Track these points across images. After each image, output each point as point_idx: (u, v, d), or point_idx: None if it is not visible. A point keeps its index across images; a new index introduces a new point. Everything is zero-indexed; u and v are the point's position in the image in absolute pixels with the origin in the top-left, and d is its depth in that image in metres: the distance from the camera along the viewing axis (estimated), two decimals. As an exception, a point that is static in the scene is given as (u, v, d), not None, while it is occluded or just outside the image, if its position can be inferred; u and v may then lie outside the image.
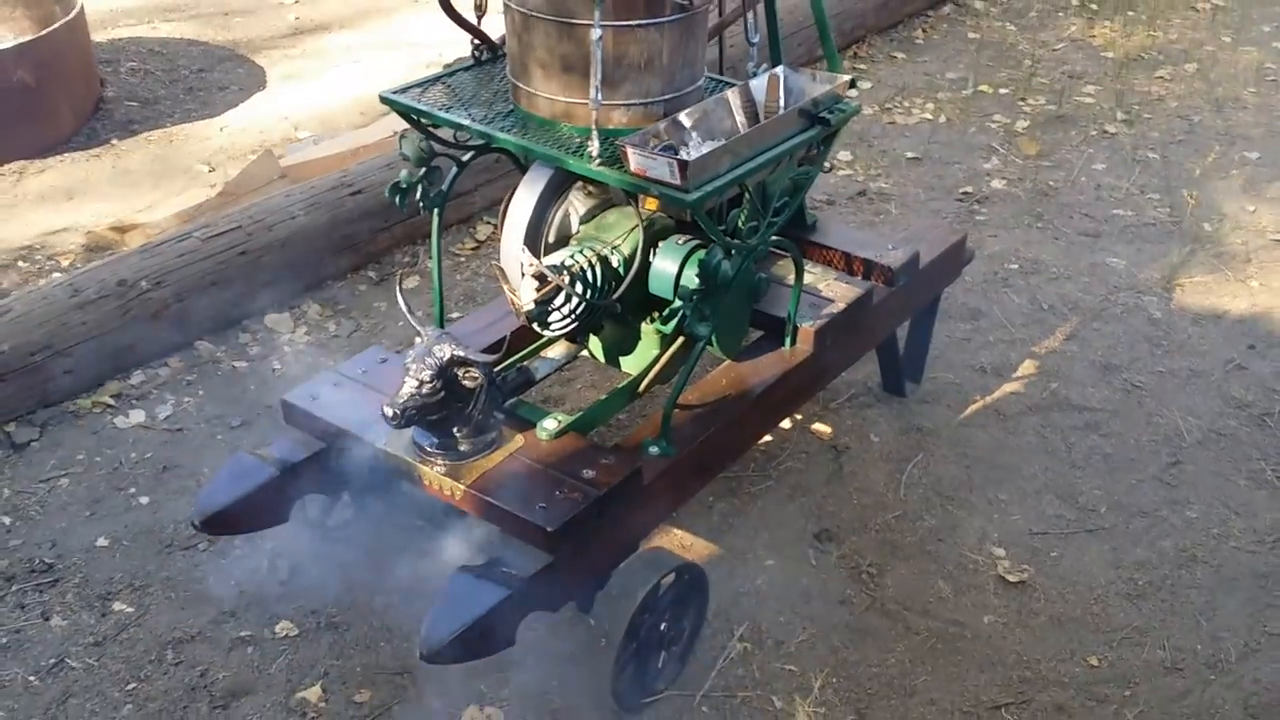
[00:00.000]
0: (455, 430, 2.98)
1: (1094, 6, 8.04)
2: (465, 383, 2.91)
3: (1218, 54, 7.40)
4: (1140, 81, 6.95)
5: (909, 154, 6.06)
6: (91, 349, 4.15)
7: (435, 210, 3.44)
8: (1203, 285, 5.01)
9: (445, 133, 3.30)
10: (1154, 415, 4.27)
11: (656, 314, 3.30)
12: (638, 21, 2.94)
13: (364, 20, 7.75)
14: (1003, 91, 6.78)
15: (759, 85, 3.21)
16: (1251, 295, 4.97)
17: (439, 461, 2.99)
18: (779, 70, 3.21)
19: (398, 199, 3.36)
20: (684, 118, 3.04)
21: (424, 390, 2.87)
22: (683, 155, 2.90)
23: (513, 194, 3.29)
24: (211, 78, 6.87)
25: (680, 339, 3.30)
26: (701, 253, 3.10)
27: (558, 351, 3.43)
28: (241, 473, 3.17)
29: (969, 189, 5.72)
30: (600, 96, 2.89)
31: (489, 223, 5.29)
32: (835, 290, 3.72)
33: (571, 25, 2.95)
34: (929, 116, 6.46)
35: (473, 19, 3.39)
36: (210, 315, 4.47)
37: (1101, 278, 5.03)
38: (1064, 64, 7.17)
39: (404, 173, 3.36)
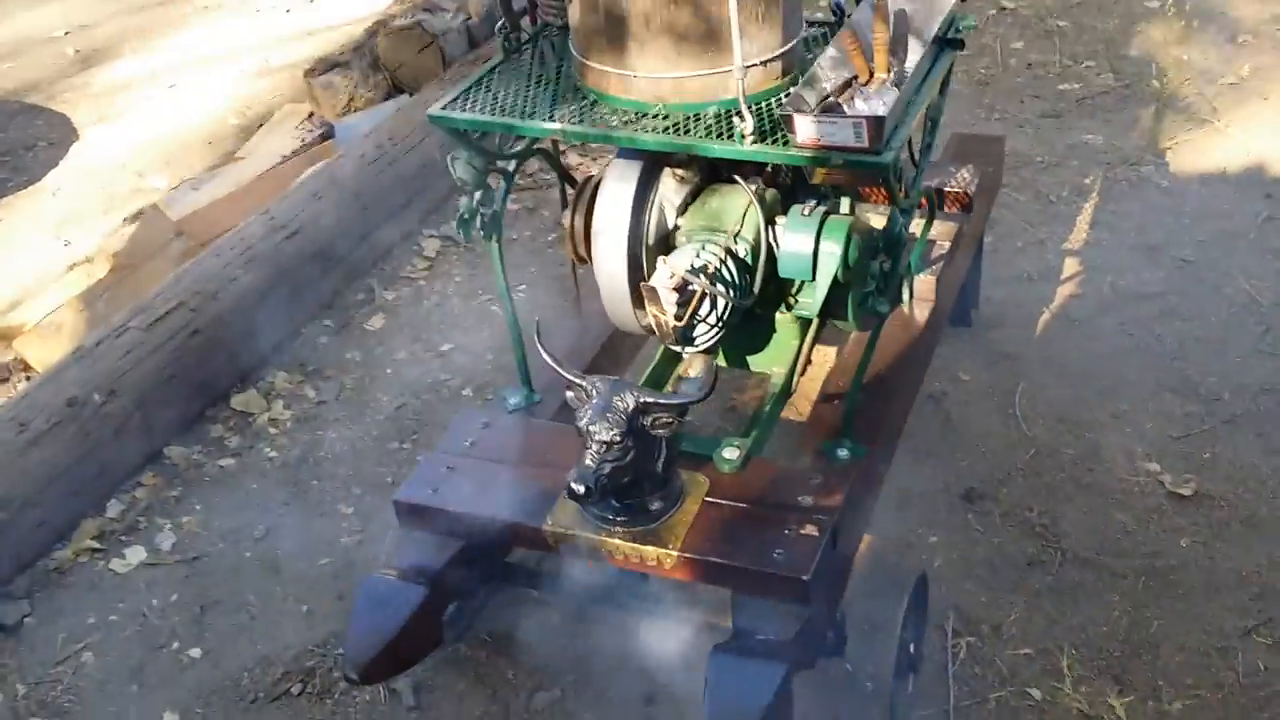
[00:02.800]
0: (645, 489, 2.47)
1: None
2: (657, 431, 2.41)
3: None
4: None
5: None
6: (59, 489, 3.41)
7: (495, 238, 2.89)
8: (1188, 144, 4.84)
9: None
10: (1220, 287, 4.06)
11: (793, 299, 2.84)
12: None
13: (153, 38, 6.90)
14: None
15: (863, 19, 2.75)
16: (1236, 143, 4.83)
17: (628, 529, 2.48)
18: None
19: (463, 231, 2.80)
20: (822, 70, 2.57)
21: (614, 452, 2.35)
22: (860, 110, 2.44)
23: (582, 202, 2.77)
24: (10, 138, 5.96)
25: (814, 324, 2.89)
26: (838, 221, 2.64)
27: (696, 369, 2.93)
28: (384, 601, 2.59)
29: (905, 94, 5.41)
30: (740, 59, 2.39)
31: (431, 235, 4.68)
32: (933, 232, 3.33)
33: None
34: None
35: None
36: (173, 415, 3.76)
37: (1089, 158, 4.81)
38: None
39: (464, 201, 2.80)
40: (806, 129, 2.35)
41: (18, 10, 7.40)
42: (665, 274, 2.57)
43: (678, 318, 2.58)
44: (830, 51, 2.63)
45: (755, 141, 2.43)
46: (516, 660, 2.99)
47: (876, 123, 2.30)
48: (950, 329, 3.93)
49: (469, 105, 2.69)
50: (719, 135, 2.47)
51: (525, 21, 2.97)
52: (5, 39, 7.01)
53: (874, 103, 2.50)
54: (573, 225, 2.81)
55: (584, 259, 2.84)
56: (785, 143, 2.40)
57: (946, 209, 3.50)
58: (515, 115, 2.63)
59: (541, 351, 2.54)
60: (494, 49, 5.32)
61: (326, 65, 5.52)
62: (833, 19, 2.93)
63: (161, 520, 3.52)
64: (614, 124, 2.56)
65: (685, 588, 2.67)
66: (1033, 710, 2.80)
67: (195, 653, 3.11)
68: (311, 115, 5.26)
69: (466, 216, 2.81)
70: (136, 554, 3.41)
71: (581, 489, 2.32)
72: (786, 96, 2.51)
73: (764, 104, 2.53)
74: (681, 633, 2.69)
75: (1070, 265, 4.22)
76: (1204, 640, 2.93)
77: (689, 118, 2.53)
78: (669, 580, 2.62)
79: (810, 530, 2.46)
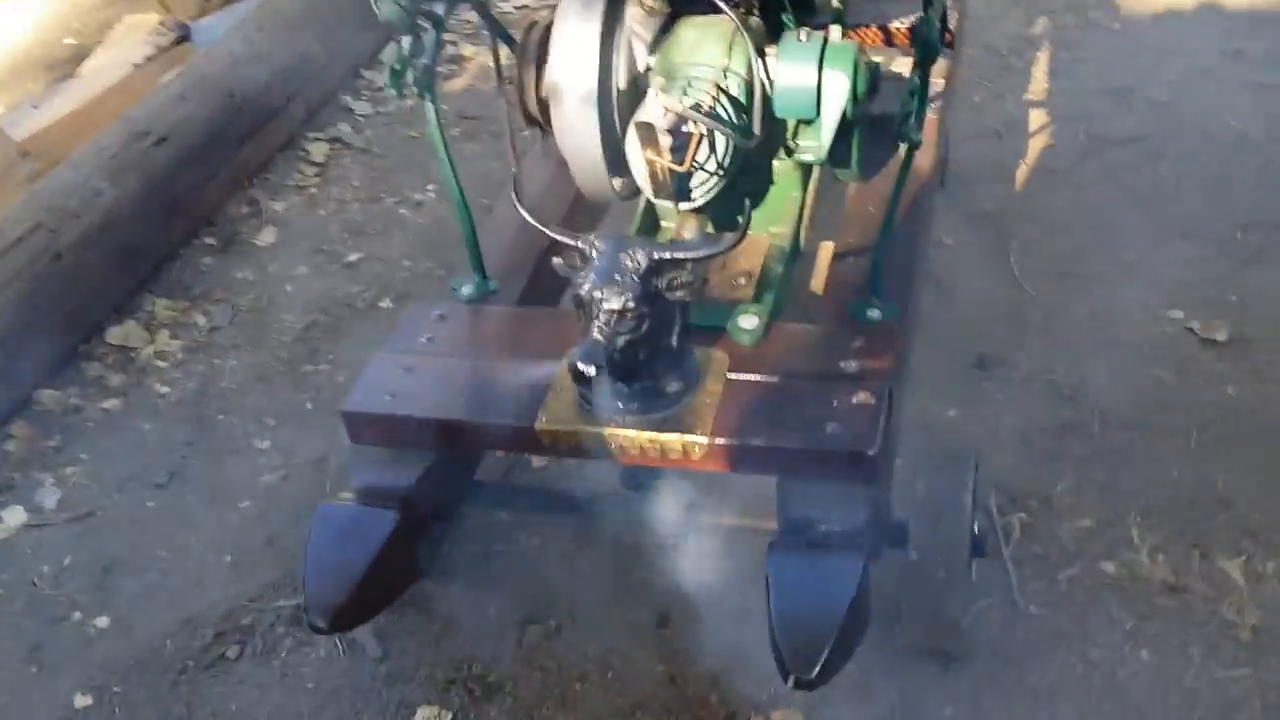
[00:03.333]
0: (659, 368, 2.00)
1: None
2: (674, 293, 1.94)
3: None
4: None
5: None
6: (-92, 447, 2.80)
7: (429, 94, 2.37)
8: (1134, -14, 4.52)
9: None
10: (1203, 125, 3.74)
11: (792, 143, 2.38)
12: None
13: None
14: None
15: None
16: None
17: (643, 418, 2.01)
18: None
19: (393, 84, 2.27)
20: None
21: (627, 321, 1.88)
22: None
23: (531, 51, 2.26)
24: None
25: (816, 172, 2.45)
26: (842, 46, 2.17)
27: (689, 231, 2.45)
28: (348, 532, 2.07)
29: None
30: None
31: (317, 139, 4.10)
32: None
33: None
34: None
35: None
36: (40, 356, 3.15)
37: (1031, 5, 4.45)
38: None
39: (389, 48, 2.27)
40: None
41: None
42: (659, 110, 2.08)
43: (677, 161, 2.10)
44: None
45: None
46: (498, 593, 2.50)
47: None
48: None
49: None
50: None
51: None
52: None
53: None
54: (521, 81, 2.30)
55: (537, 120, 2.34)
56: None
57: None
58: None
59: (521, 209, 2.05)
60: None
61: (177, -38, 4.84)
62: None
63: (40, 475, 2.92)
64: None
65: (692, 485, 2.22)
66: (1111, 587, 2.42)
67: (102, 622, 2.55)
68: (162, 21, 4.60)
69: (397, 67, 2.28)
70: (15, 515, 2.81)
71: (591, 369, 1.84)
72: None
73: None
74: (699, 538, 2.24)
75: (1037, 117, 3.85)
76: (1278, 493, 2.58)
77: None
78: (672, 481, 2.18)
79: (865, 398, 2.02)
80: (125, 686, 2.40)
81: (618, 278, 1.88)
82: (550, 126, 2.24)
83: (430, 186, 3.83)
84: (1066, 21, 4.32)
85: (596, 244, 1.93)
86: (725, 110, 2.13)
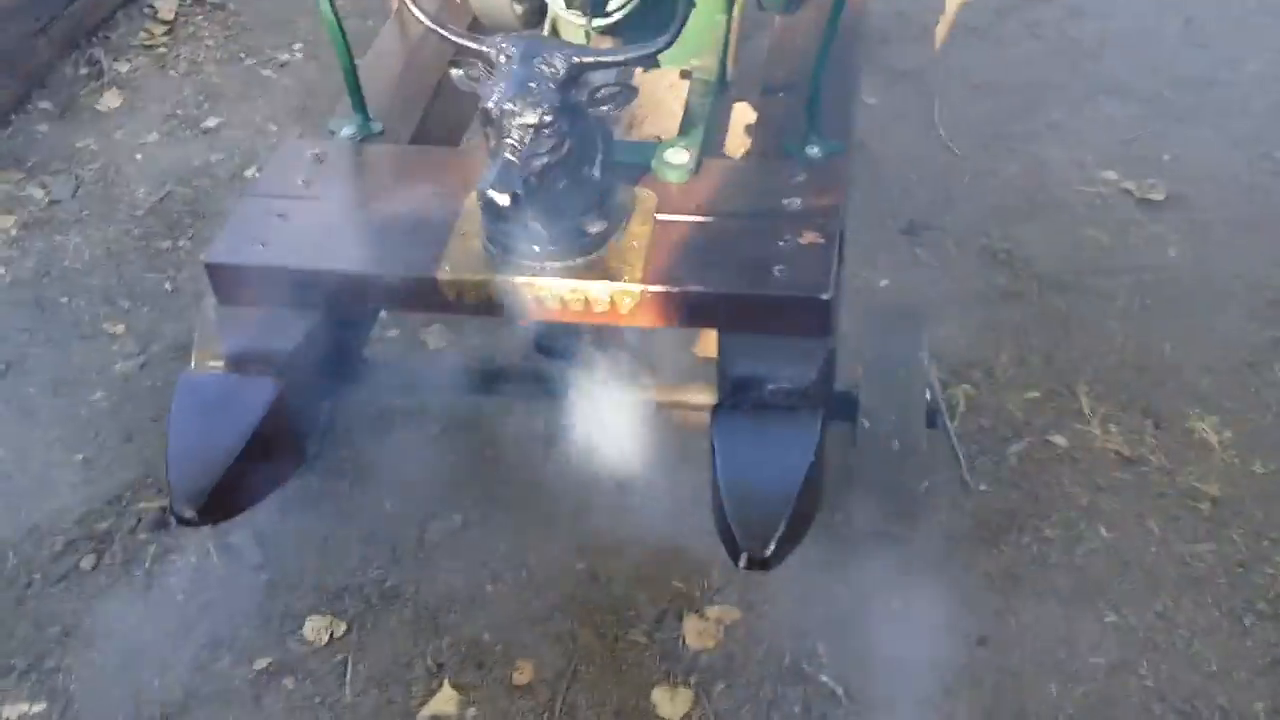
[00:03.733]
0: (579, 204, 1.73)
1: None
2: (601, 107, 1.66)
3: None
4: None
5: None
6: None
7: None
8: None
9: None
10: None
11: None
12: None
13: None
14: None
15: None
16: None
17: (562, 264, 1.75)
18: None
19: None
20: None
21: (545, 139, 1.60)
22: None
23: None
24: None
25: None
26: None
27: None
28: (218, 404, 1.76)
29: None
30: None
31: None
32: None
33: None
34: None
35: None
36: None
37: None
38: None
39: None
40: None
41: None
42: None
43: (593, -30, 1.82)
44: None
45: None
46: (394, 487, 2.23)
47: None
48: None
49: None
50: None
51: None
52: None
53: None
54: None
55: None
56: None
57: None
58: None
59: (414, 9, 1.73)
60: None
61: None
62: None
63: None
64: None
65: (606, 348, 1.97)
66: (1063, 460, 2.25)
67: (-73, 537, 2.22)
68: None
69: None
70: None
71: (505, 197, 1.56)
72: None
73: None
74: (624, 414, 1.98)
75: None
76: (1229, 356, 2.44)
77: None
78: (580, 342, 1.93)
79: (813, 238, 1.78)
80: (-39, 607, 2.08)
81: (532, 86, 1.59)
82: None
83: (297, 45, 3.46)
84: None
85: (506, 48, 1.64)
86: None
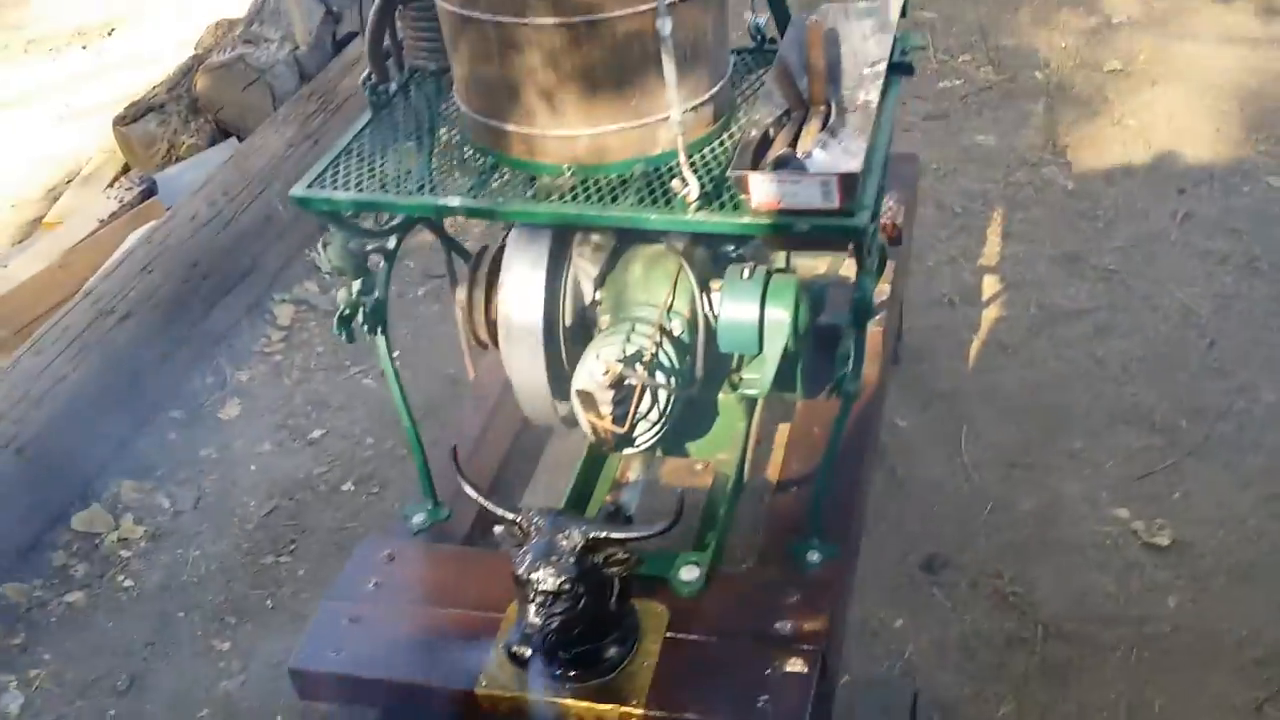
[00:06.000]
0: (597, 635, 2.05)
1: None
2: (611, 570, 1.99)
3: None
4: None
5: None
6: None
7: (382, 331, 2.44)
8: (1086, 140, 4.59)
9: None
10: (1151, 298, 3.80)
11: (736, 377, 2.45)
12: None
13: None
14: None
15: (794, 44, 2.36)
16: (1134, 134, 4.60)
17: (581, 686, 2.06)
18: (824, 10, 2.38)
19: (343, 331, 2.34)
20: (756, 110, 2.18)
21: (562, 602, 1.94)
22: (823, 162, 2.04)
23: (481, 278, 2.34)
24: None
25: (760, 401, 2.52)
26: (784, 282, 2.24)
27: (635, 471, 2.51)
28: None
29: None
30: (679, 111, 1.98)
31: (283, 300, 4.15)
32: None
33: (595, 23, 2.02)
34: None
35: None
36: (4, 547, 3.19)
37: (986, 161, 4.52)
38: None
39: (341, 294, 2.35)
40: (764, 189, 1.96)
41: None
42: (598, 370, 2.15)
43: (618, 421, 2.17)
44: (763, 86, 2.27)
45: (700, 208, 2.03)
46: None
47: (847, 180, 1.93)
48: (878, 369, 3.59)
49: (340, 180, 2.23)
50: (654, 201, 2.06)
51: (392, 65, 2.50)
52: None
53: (836, 151, 2.10)
54: (470, 304, 2.37)
55: (485, 344, 2.41)
56: (736, 206, 2.01)
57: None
58: (399, 190, 2.18)
59: (464, 485, 2.10)
60: (329, 82, 4.88)
61: (139, 110, 4.88)
62: (752, 44, 2.57)
63: (5, 677, 2.96)
64: (522, 193, 2.14)
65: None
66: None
67: None
68: (128, 169, 4.66)
69: (347, 312, 2.35)
70: (-29, 728, 2.86)
71: (527, 652, 1.90)
72: (723, 146, 2.14)
73: (699, 157, 2.15)
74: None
75: (990, 284, 3.92)
76: (1213, 717, 2.64)
77: (612, 180, 2.12)
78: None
79: (797, 665, 2.07)
80: None
81: (554, 559, 1.93)
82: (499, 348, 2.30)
83: (395, 353, 3.86)
84: (1020, 178, 4.39)
85: (535, 520, 1.98)
86: (668, 355, 2.20)
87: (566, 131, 2.12)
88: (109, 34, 6.54)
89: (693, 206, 2.02)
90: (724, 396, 2.49)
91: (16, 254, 4.31)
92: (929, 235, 4.14)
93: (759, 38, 2.55)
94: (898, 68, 2.34)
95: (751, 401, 2.53)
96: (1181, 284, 3.83)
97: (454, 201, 2.14)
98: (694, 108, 2.17)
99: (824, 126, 2.24)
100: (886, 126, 2.21)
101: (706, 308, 2.27)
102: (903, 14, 2.44)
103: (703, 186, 2.05)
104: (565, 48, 2.04)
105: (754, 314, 2.20)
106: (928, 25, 5.49)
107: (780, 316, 2.19)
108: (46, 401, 3.36)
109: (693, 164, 2.11)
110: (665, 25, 1.90)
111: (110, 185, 4.61)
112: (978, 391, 3.52)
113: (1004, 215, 4.22)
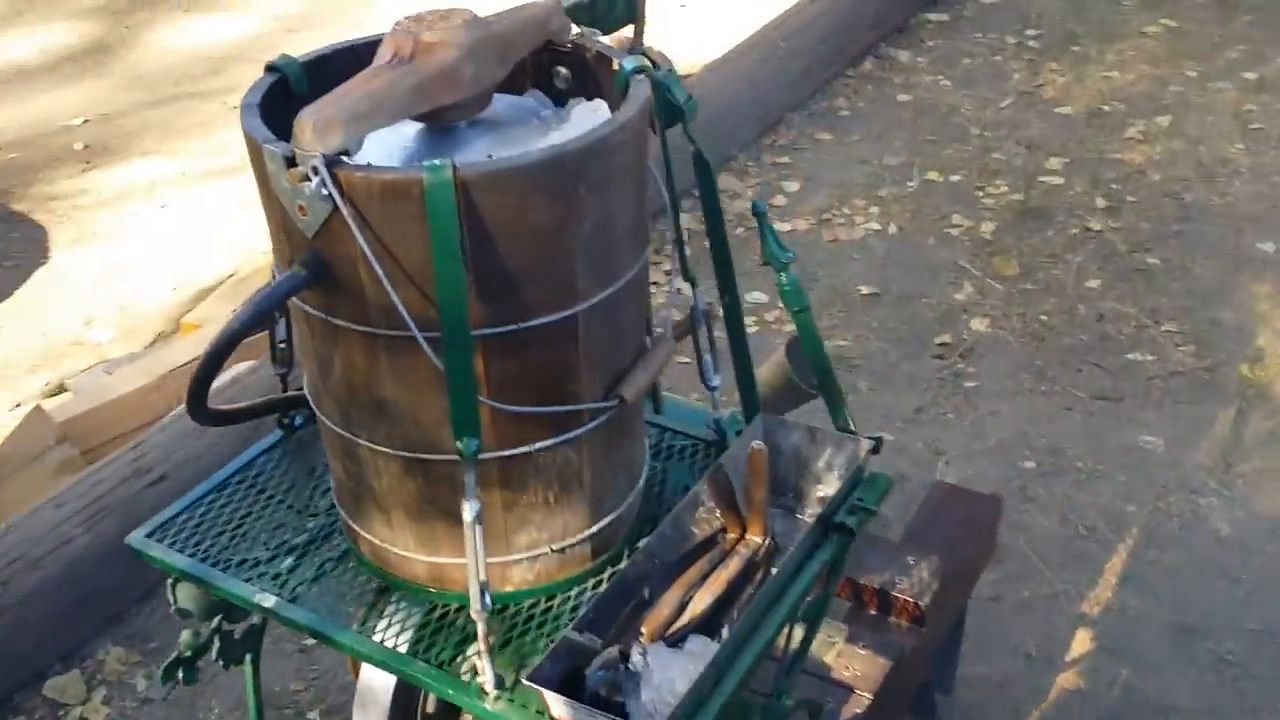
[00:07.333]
0: None
1: (1033, 44, 6.95)
2: None
3: (1188, 96, 6.35)
4: (1111, 146, 5.88)
5: (862, 288, 4.90)
6: None
7: (250, 661, 2.26)
8: (1270, 473, 3.93)
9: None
10: (1260, 710, 3.18)
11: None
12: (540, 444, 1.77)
13: (176, 139, 6.39)
14: (955, 179, 5.65)
15: (737, 459, 2.01)
16: (1333, 477, 3.92)
17: None
18: (758, 439, 2.01)
19: (172, 680, 2.17)
20: (634, 569, 1.86)
21: None
22: (645, 697, 1.69)
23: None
24: (-19, 243, 5.51)
25: None
26: None
27: None
28: None
29: (946, 338, 4.59)
30: (480, 602, 1.69)
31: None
32: (852, 665, 2.58)
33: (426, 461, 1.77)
34: (876, 226, 5.31)
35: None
36: (-39, 707, 3.19)
37: (1140, 471, 3.93)
38: (1017, 129, 6.07)
39: (185, 635, 2.18)
40: (562, 710, 1.65)
41: (41, 89, 6.98)
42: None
43: None
44: (696, 496, 1.96)
45: (499, 699, 1.74)
46: None
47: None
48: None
49: (190, 530, 2.08)
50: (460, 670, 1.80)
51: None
52: (20, 121, 6.59)
53: (676, 669, 1.73)
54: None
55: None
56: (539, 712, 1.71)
57: (893, 617, 2.73)
58: (224, 563, 2.00)
59: None
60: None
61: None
62: (712, 438, 2.24)
63: None
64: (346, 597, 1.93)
65: None
66: None
67: None
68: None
69: (187, 655, 2.17)
70: None
71: None
72: (595, 590, 1.87)
73: (546, 606, 1.88)
74: None
75: (1081, 641, 3.38)
76: None
77: (449, 611, 1.88)
78: None
79: None
80: None
81: None
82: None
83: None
84: (1171, 506, 3.79)
85: None
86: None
87: (401, 552, 1.89)
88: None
89: (490, 696, 1.73)
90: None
91: (125, 363, 4.36)
92: (1038, 558, 3.62)
93: (718, 433, 2.21)
94: (838, 528, 1.96)
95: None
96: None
97: (266, 598, 1.93)
98: (561, 549, 1.88)
99: (744, 570, 1.93)
100: (764, 635, 1.81)
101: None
102: (874, 450, 2.06)
103: (519, 665, 1.76)
104: (401, 474, 1.80)
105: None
106: (1145, 274, 4.89)
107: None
108: (46, 564, 3.31)
109: (530, 619, 1.84)
110: (470, 509, 1.64)
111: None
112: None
113: (1134, 551, 3.64)
